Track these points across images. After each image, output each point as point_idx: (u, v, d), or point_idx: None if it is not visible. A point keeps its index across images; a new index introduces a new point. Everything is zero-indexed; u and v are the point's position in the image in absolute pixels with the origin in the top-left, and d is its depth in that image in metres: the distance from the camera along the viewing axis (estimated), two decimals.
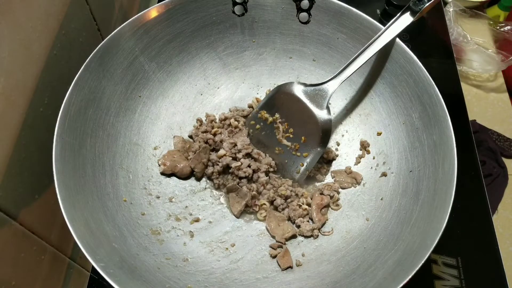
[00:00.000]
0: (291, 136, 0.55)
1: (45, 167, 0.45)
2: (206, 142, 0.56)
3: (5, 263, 0.40)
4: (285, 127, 0.55)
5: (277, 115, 0.55)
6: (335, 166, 0.58)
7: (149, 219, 0.50)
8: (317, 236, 0.52)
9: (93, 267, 0.39)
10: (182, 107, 0.60)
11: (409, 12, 0.51)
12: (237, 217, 0.53)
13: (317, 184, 0.57)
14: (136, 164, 0.54)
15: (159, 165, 0.55)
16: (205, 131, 0.57)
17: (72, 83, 0.46)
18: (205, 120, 0.59)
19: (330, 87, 0.52)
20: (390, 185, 0.52)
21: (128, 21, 0.52)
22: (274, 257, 0.50)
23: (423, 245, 0.42)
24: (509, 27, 0.84)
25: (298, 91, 0.53)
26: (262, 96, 0.62)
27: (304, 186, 0.56)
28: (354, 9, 0.54)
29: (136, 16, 0.52)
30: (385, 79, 0.55)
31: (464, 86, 0.81)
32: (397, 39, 0.52)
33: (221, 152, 0.54)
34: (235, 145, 0.55)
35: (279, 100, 0.55)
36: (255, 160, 0.55)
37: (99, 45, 0.49)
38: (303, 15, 0.57)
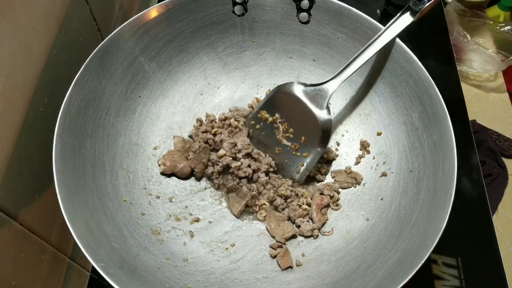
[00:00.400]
0: (291, 136, 0.55)
1: (45, 167, 0.45)
2: (206, 142, 0.56)
3: (5, 263, 0.40)
4: (285, 127, 0.55)
5: (277, 115, 0.55)
6: (335, 166, 0.58)
7: (149, 219, 0.50)
8: (317, 236, 0.52)
9: (93, 267, 0.39)
10: (182, 107, 0.60)
11: (409, 12, 0.51)
12: (237, 217, 0.53)
13: (317, 184, 0.57)
14: (136, 164, 0.54)
15: (159, 165, 0.55)
16: (205, 131, 0.57)
17: (72, 83, 0.46)
18: (205, 120, 0.59)
19: (330, 87, 0.52)
20: (390, 185, 0.52)
21: (128, 21, 0.52)
22: (274, 257, 0.50)
23: (423, 245, 0.42)
24: (509, 27, 0.84)
25: (298, 91, 0.53)
26: (262, 96, 0.62)
27: (304, 186, 0.56)
28: (354, 9, 0.54)
29: (136, 16, 0.52)
30: (385, 79, 0.55)
31: (464, 86, 0.81)
32: (397, 39, 0.52)
33: (221, 152, 0.54)
34: (235, 145, 0.55)
35: (279, 100, 0.55)
36: (255, 160, 0.55)
37: (99, 45, 0.49)
38: (303, 15, 0.57)
